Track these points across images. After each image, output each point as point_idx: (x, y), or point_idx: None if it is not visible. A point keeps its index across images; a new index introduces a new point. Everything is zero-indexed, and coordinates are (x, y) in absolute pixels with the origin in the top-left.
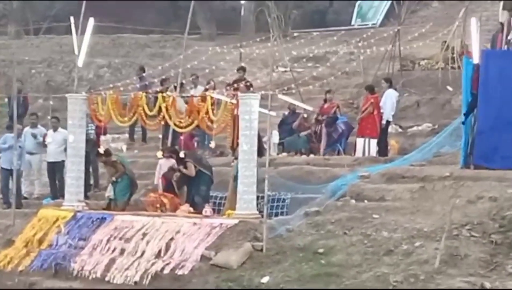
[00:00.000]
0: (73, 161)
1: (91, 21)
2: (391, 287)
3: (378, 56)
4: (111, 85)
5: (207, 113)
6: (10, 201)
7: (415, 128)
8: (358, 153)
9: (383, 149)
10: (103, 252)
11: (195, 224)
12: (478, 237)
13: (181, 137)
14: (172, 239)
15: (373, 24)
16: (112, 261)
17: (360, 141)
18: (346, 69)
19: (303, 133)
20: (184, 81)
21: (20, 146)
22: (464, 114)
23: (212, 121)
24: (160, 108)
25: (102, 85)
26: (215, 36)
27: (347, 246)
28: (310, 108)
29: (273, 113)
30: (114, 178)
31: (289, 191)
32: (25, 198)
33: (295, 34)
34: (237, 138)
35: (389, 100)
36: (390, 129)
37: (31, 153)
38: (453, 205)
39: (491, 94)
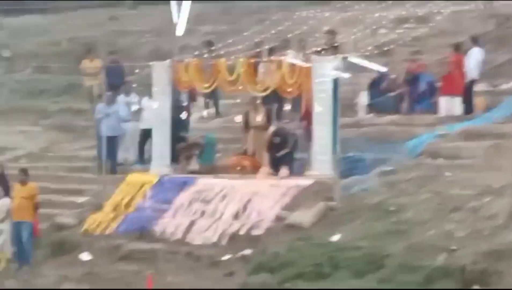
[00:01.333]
0: (158, 127)
1: None
2: (454, 243)
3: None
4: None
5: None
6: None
7: (504, 85)
8: (442, 112)
9: (468, 107)
10: (184, 214)
11: (272, 185)
12: None
13: None
14: (249, 200)
15: None
16: (192, 223)
17: (443, 100)
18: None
19: (391, 94)
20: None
21: (114, 112)
22: None
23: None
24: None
25: (210, 53)
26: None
27: (417, 204)
28: (384, 69)
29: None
30: (197, 152)
31: (371, 151)
32: (121, 164)
33: None
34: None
35: (473, 58)
36: (480, 87)
37: (125, 121)
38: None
39: None
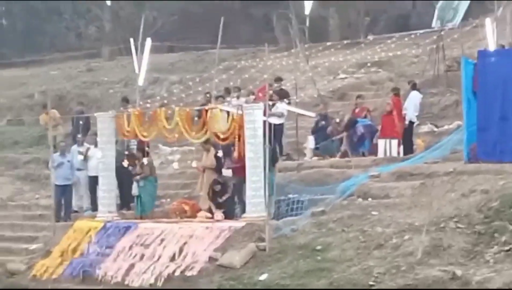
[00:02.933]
0: (104, 175)
1: (148, 41)
2: (372, 279)
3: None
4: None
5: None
6: (61, 216)
7: (446, 127)
8: (380, 154)
9: (408, 149)
10: (125, 258)
11: (207, 228)
12: (463, 228)
13: None
14: (185, 243)
15: (453, 25)
16: (132, 266)
17: (381, 142)
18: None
19: (336, 137)
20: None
21: (68, 161)
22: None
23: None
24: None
25: (173, 101)
26: (291, 47)
27: (343, 242)
28: (312, 114)
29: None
30: (138, 177)
31: (308, 193)
32: (76, 211)
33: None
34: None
35: (411, 101)
36: (424, 128)
37: (78, 169)
38: (431, 200)
39: (488, 92)
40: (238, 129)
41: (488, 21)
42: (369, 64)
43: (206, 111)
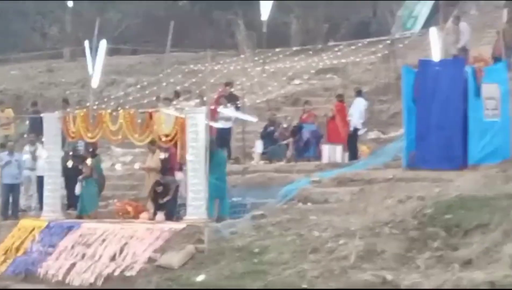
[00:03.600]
0: (49, 175)
1: (103, 43)
2: (306, 282)
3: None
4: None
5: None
6: (8, 214)
7: (392, 134)
8: (324, 159)
9: (352, 155)
10: (67, 257)
11: (148, 229)
12: (397, 234)
13: None
14: (126, 243)
15: (411, 33)
16: (73, 265)
17: (325, 148)
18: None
19: (283, 142)
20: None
21: (16, 160)
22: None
23: (165, 136)
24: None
25: (128, 103)
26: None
27: (280, 246)
28: (254, 119)
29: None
30: (80, 177)
31: (252, 196)
32: (23, 210)
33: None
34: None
35: (356, 108)
36: (370, 135)
37: (30, 169)
38: (368, 206)
39: (426, 101)
40: (181, 132)
41: (433, 30)
42: (324, 71)
43: (150, 113)
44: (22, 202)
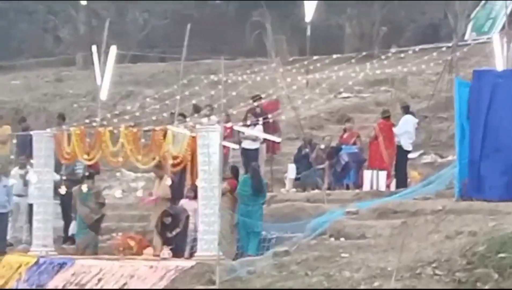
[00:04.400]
0: (39, 203)
1: (113, 50)
2: None
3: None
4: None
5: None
6: None
7: (450, 157)
8: (366, 187)
9: (401, 182)
10: None
11: (151, 267)
12: (441, 275)
13: None
14: (125, 284)
15: (488, 38)
16: None
17: (367, 174)
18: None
19: (319, 167)
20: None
21: (4, 186)
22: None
23: (174, 158)
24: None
25: (145, 118)
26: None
27: (303, 288)
28: (278, 139)
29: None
30: (73, 214)
31: (277, 230)
32: (11, 244)
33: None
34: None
35: (404, 127)
36: (428, 159)
37: (19, 195)
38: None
39: (481, 119)
40: (192, 153)
41: (496, 36)
42: (378, 82)
43: (156, 132)
44: (11, 234)
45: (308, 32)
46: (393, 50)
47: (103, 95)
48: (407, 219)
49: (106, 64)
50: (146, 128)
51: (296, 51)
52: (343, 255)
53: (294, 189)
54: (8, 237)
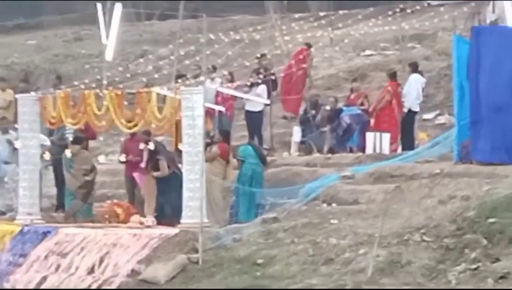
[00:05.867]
0: (24, 169)
1: (119, 7)
2: None
3: None
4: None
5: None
6: None
7: None
8: (368, 150)
9: (407, 144)
10: (38, 269)
11: (135, 235)
12: (429, 242)
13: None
14: (107, 252)
15: None
16: (44, 278)
17: (370, 136)
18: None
19: (324, 129)
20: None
21: None
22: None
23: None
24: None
25: (159, 80)
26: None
27: (288, 256)
28: (265, 101)
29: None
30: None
31: (272, 195)
32: (3, 212)
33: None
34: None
35: (412, 86)
36: (442, 120)
37: (6, 163)
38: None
39: (480, 78)
40: (175, 117)
41: None
42: (407, 38)
43: (141, 94)
44: (2, 202)
45: None
46: (425, 4)
47: (109, 55)
48: (402, 183)
49: (117, 23)
50: (130, 91)
51: (323, 6)
52: (332, 221)
53: (297, 153)
54: None
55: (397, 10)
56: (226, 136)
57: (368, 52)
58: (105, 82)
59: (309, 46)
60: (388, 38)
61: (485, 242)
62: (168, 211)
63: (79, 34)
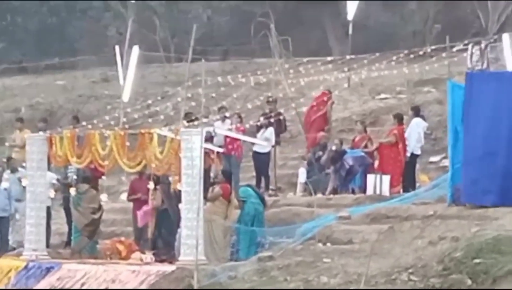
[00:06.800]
0: (31, 207)
1: (135, 50)
2: None
3: None
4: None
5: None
6: None
7: None
8: (369, 191)
9: (408, 186)
10: None
11: (133, 271)
12: (416, 281)
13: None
14: (106, 288)
15: None
16: None
17: (370, 178)
18: None
19: (328, 171)
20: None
21: (5, 189)
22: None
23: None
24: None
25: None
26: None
27: None
28: (264, 143)
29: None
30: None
31: (272, 235)
32: (14, 248)
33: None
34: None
35: (414, 130)
36: (446, 162)
37: (18, 200)
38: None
39: (475, 122)
40: (175, 157)
41: (506, 36)
42: (423, 82)
43: (143, 134)
44: (13, 238)
45: (350, 30)
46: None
47: (126, 96)
48: (396, 224)
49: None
50: (132, 131)
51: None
52: (325, 260)
53: (301, 194)
54: (10, 242)
55: (414, 54)
56: (228, 176)
57: (383, 95)
58: (124, 119)
59: (329, 91)
60: (403, 82)
61: (469, 282)
62: (160, 245)
63: (106, 75)
